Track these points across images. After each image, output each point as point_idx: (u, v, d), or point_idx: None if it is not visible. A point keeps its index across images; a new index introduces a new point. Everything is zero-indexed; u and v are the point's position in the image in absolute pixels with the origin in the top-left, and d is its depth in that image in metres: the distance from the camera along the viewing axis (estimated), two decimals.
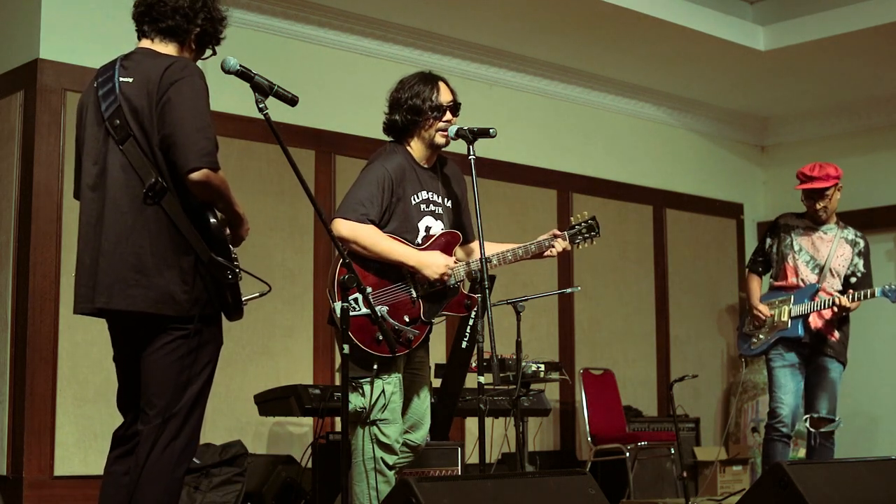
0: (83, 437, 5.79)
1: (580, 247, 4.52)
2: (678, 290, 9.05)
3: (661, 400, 8.74)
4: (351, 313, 3.86)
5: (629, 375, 8.50)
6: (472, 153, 4.19)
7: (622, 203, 8.74)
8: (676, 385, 6.39)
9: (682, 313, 9.05)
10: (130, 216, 3.36)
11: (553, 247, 4.39)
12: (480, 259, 4.12)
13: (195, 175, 3.30)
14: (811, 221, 6.00)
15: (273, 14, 6.86)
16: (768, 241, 6.11)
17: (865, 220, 8.54)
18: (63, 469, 5.75)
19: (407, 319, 4.15)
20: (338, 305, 3.95)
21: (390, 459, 4.16)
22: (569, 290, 6.90)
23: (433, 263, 4.17)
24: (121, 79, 3.41)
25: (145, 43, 3.53)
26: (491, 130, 4.26)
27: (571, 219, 4.52)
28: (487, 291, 4.03)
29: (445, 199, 4.35)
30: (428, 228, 4.27)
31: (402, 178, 4.20)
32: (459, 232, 4.36)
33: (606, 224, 8.57)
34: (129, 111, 3.37)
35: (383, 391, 4.10)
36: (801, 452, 7.36)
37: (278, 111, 3.59)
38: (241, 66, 3.43)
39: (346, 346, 3.65)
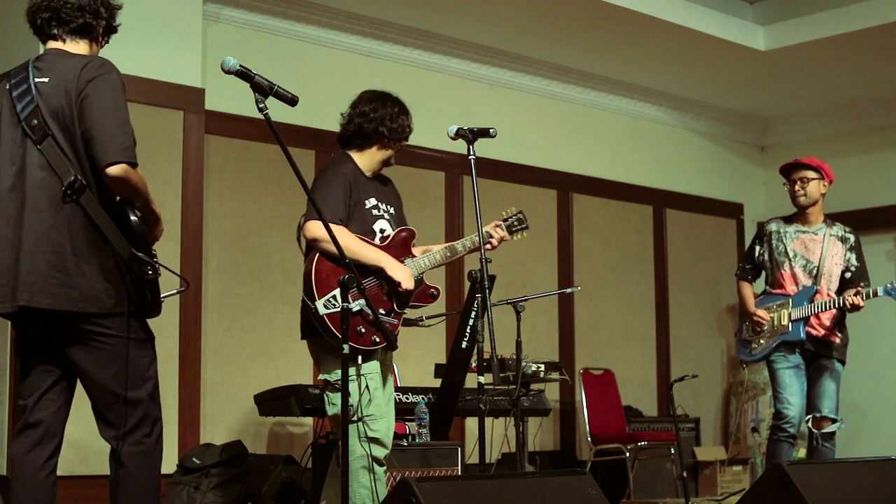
0: (83, 437, 5.78)
1: (515, 237, 4.71)
2: (678, 291, 9.05)
3: (661, 400, 8.74)
4: (331, 310, 4.10)
5: (629, 375, 8.50)
6: (472, 153, 4.26)
7: (622, 203, 8.74)
8: (676, 385, 6.38)
9: (682, 313, 9.04)
10: (50, 215, 3.38)
11: (493, 237, 4.58)
12: (480, 259, 4.21)
13: (113, 169, 3.32)
14: (800, 223, 5.96)
15: (273, 14, 6.86)
16: (758, 248, 6.06)
17: (865, 220, 8.54)
18: (63, 469, 5.70)
19: (382, 312, 4.27)
20: (320, 303, 4.13)
21: (381, 452, 4.25)
22: (569, 290, 6.91)
23: (402, 269, 4.34)
24: (36, 80, 3.43)
25: (55, 44, 3.55)
26: (491, 130, 4.33)
27: (503, 213, 4.72)
28: (487, 291, 4.09)
29: (389, 207, 4.52)
30: (382, 230, 4.43)
31: (357, 183, 4.38)
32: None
33: (606, 224, 8.69)
34: (47, 111, 3.40)
35: (367, 387, 4.20)
36: (802, 452, 7.36)
37: (278, 111, 3.59)
38: (240, 66, 3.44)
39: (345, 347, 3.67)
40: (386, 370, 4.45)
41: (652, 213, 8.98)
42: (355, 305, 3.92)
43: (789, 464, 3.96)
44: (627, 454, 7.27)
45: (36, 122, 3.39)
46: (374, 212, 4.42)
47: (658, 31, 7.52)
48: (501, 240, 4.60)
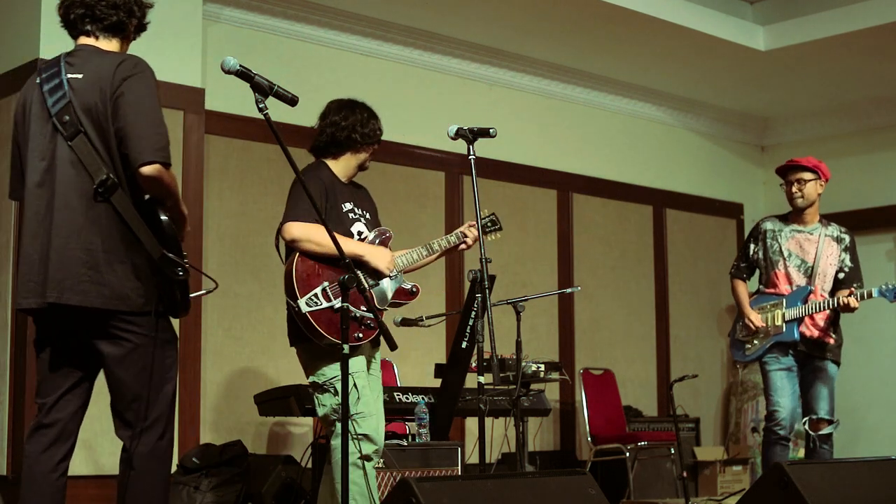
0: (83, 437, 5.77)
1: (490, 237, 4.85)
2: (678, 291, 9.05)
3: (661, 400, 8.74)
4: (313, 308, 4.17)
5: (629, 375, 8.50)
6: (472, 153, 4.29)
7: (622, 203, 8.74)
8: (676, 385, 6.38)
9: (682, 313, 9.04)
10: (80, 212, 3.36)
11: (468, 236, 4.69)
12: (480, 259, 4.22)
13: (147, 169, 3.32)
14: (795, 223, 5.95)
15: (273, 14, 6.86)
16: (752, 246, 6.04)
17: (865, 220, 8.54)
18: None
19: (363, 308, 4.33)
20: (301, 302, 4.20)
21: (371, 449, 4.29)
22: (569, 290, 6.90)
23: (382, 255, 4.46)
24: (69, 75, 3.42)
25: (87, 40, 3.54)
26: (491, 130, 4.36)
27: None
28: (487, 291, 4.11)
29: (365, 212, 4.61)
30: (360, 233, 4.52)
31: (334, 188, 4.48)
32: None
33: (606, 224, 8.69)
34: (80, 107, 3.38)
35: (355, 385, 4.23)
36: (801, 453, 7.36)
37: (278, 111, 3.59)
38: (240, 66, 3.44)
39: (345, 347, 3.68)
40: (370, 366, 4.50)
41: (652, 213, 8.98)
42: (337, 302, 3.96)
43: (789, 464, 3.97)
44: (627, 454, 7.27)
45: (68, 117, 3.38)
46: (351, 215, 4.52)
47: (658, 31, 7.52)
48: (476, 239, 4.68)
